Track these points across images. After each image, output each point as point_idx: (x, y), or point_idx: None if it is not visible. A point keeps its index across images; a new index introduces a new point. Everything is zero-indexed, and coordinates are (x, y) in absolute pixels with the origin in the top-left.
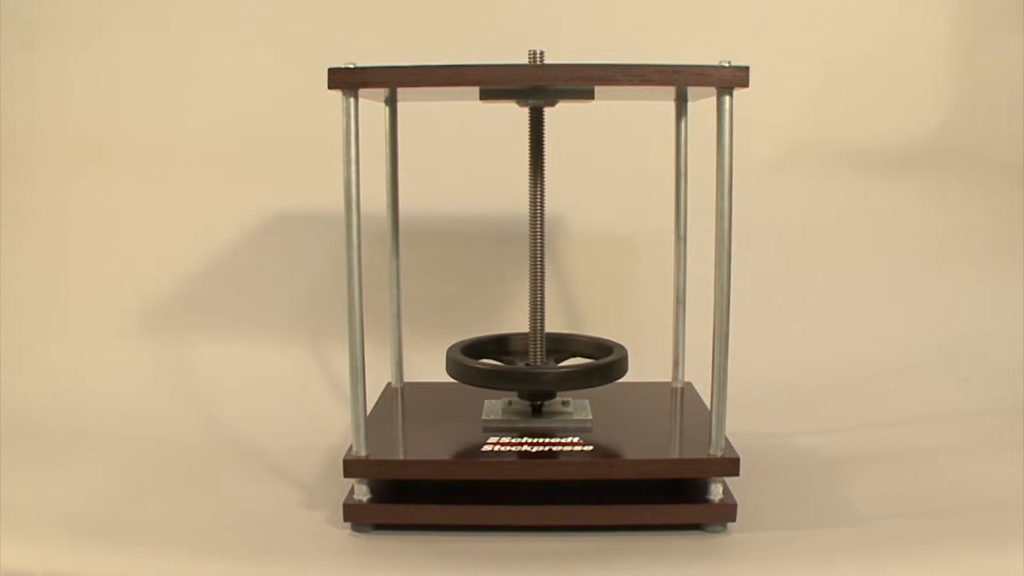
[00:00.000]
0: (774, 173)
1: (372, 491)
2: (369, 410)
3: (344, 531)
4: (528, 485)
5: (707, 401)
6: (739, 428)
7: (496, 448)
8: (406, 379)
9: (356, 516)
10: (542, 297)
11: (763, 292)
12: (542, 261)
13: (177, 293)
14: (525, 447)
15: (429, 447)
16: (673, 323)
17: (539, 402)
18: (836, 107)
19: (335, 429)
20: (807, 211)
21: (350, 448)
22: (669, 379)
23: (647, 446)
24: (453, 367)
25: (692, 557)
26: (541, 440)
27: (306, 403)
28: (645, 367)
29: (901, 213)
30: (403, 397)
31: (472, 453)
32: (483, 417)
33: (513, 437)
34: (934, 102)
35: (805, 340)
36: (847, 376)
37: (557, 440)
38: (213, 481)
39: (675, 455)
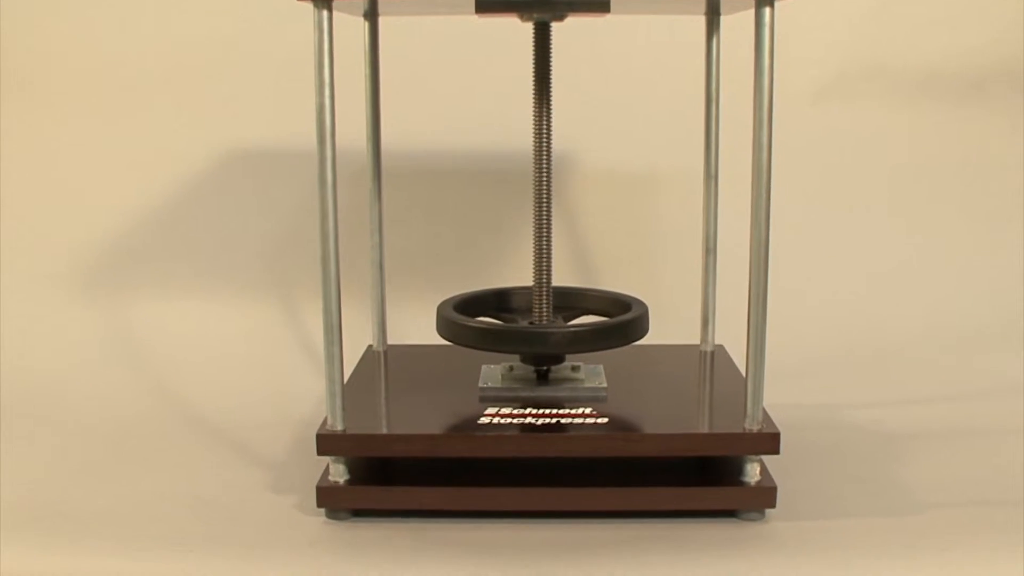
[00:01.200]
0: (822, 102)
1: (350, 471)
2: (347, 377)
3: (317, 518)
4: (532, 464)
5: (741, 367)
6: (778, 399)
7: (495, 421)
8: (390, 341)
9: (331, 501)
10: (548, 245)
11: (807, 242)
12: (548, 204)
13: (122, 243)
14: (529, 419)
15: (417, 420)
16: (702, 276)
17: (545, 367)
18: (896, 23)
19: (307, 399)
20: (860, 147)
21: (324, 421)
22: (696, 341)
23: (671, 418)
24: (445, 326)
25: (724, 549)
26: (547, 411)
27: (273, 369)
28: (668, 327)
29: (973, 150)
30: (386, 362)
31: (467, 427)
32: (480, 385)
33: (515, 408)
34: (1018, 14)
35: (855, 298)
36: (903, 342)
37: (566, 411)
38: (165, 463)
39: (704, 429)
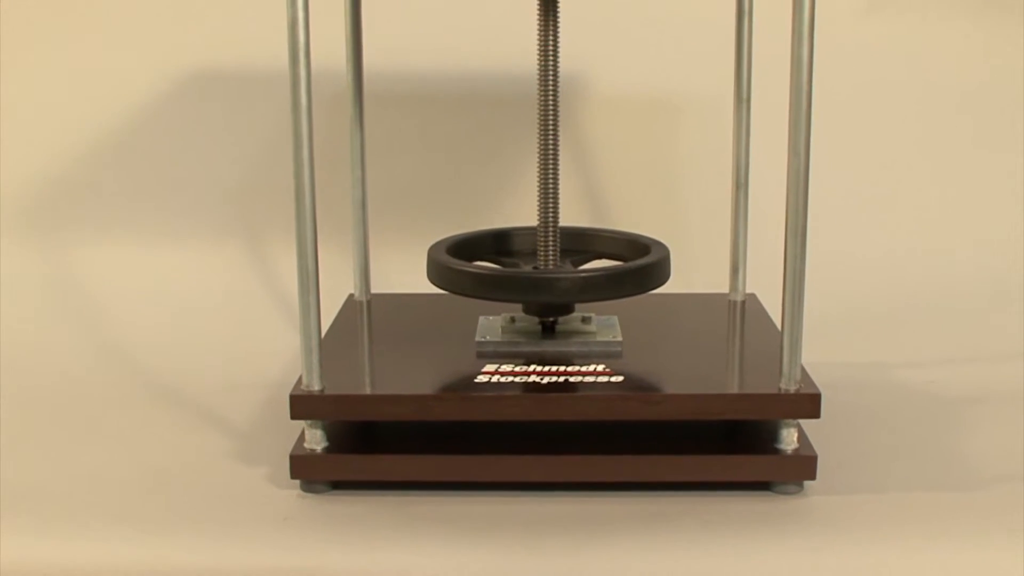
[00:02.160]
0: (873, 13)
1: (328, 438)
2: (325, 330)
3: (291, 491)
4: (536, 429)
5: (776, 319)
6: (818, 356)
7: (494, 379)
8: (373, 289)
9: (307, 471)
10: (555, 180)
11: (851, 176)
12: (555, 133)
13: (65, 177)
14: (533, 378)
15: (405, 378)
16: (731, 215)
17: (551, 318)
18: None
19: (278, 357)
20: (915, 67)
21: (299, 381)
22: (725, 289)
23: (695, 377)
24: (437, 272)
25: (756, 526)
26: (554, 368)
27: (239, 323)
28: (693, 273)
29: None
30: (369, 313)
31: (462, 386)
32: (477, 339)
33: (517, 365)
34: None
35: (906, 243)
36: (962, 292)
37: (576, 368)
38: (116, 430)
39: (734, 389)
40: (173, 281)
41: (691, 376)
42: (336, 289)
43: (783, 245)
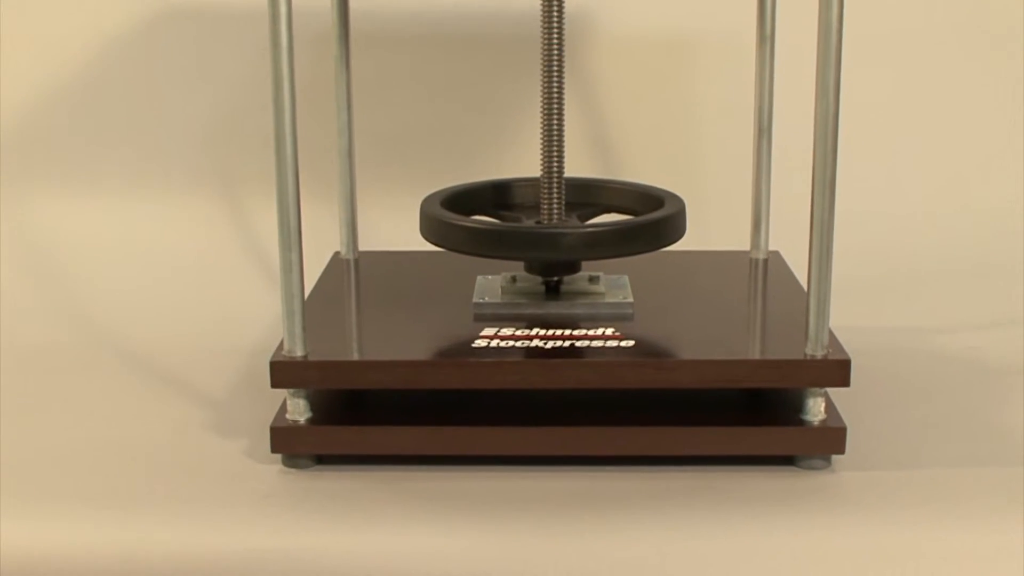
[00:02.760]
0: None
1: (312, 408)
2: (308, 291)
3: (272, 466)
4: (539, 398)
5: (802, 278)
6: (848, 319)
7: (493, 344)
8: (361, 246)
9: (289, 445)
10: (560, 127)
11: (884, 126)
12: (560, 76)
13: (23, 123)
14: (536, 342)
15: (396, 343)
16: (753, 165)
17: (556, 278)
18: None
19: (258, 320)
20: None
21: (280, 346)
22: (746, 246)
23: (714, 341)
24: (431, 227)
25: (779, 504)
26: (559, 332)
27: (214, 283)
28: (711, 228)
29: None
30: (357, 272)
31: (459, 351)
32: (475, 300)
33: (518, 328)
34: None
35: (947, 194)
36: (1005, 251)
37: (582, 332)
38: (82, 400)
39: (755, 355)
40: (141, 238)
41: (708, 340)
42: (321, 246)
43: (809, 197)
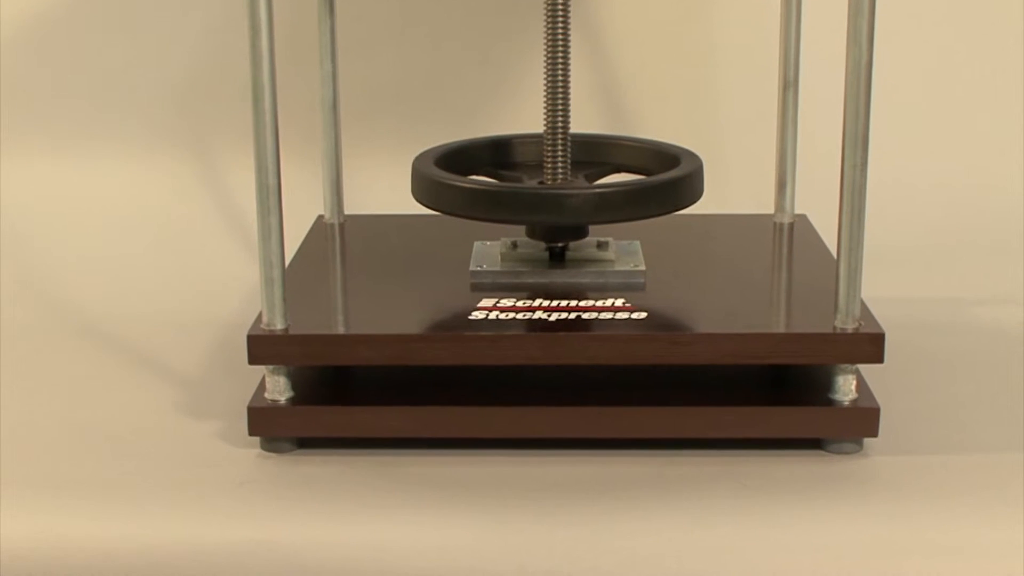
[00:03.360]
0: None
1: (294, 387)
2: (289, 258)
3: (249, 451)
4: (543, 375)
5: (831, 245)
6: (880, 290)
7: (492, 316)
8: (348, 210)
9: (268, 426)
10: (565, 78)
11: (922, 76)
12: (565, 21)
13: None
14: (539, 314)
15: (385, 315)
16: (778, 120)
17: (561, 243)
18: None
19: (234, 290)
20: None
21: (258, 318)
22: (769, 209)
23: (734, 313)
24: (423, 188)
25: (806, 492)
26: (564, 303)
27: (186, 249)
28: (731, 190)
29: None
30: (343, 237)
31: (454, 324)
32: (472, 268)
33: (519, 299)
34: None
35: (986, 162)
36: None
37: (590, 303)
38: (42, 378)
39: (780, 328)
40: (105, 200)
41: (728, 312)
42: (302, 209)
43: (839, 155)
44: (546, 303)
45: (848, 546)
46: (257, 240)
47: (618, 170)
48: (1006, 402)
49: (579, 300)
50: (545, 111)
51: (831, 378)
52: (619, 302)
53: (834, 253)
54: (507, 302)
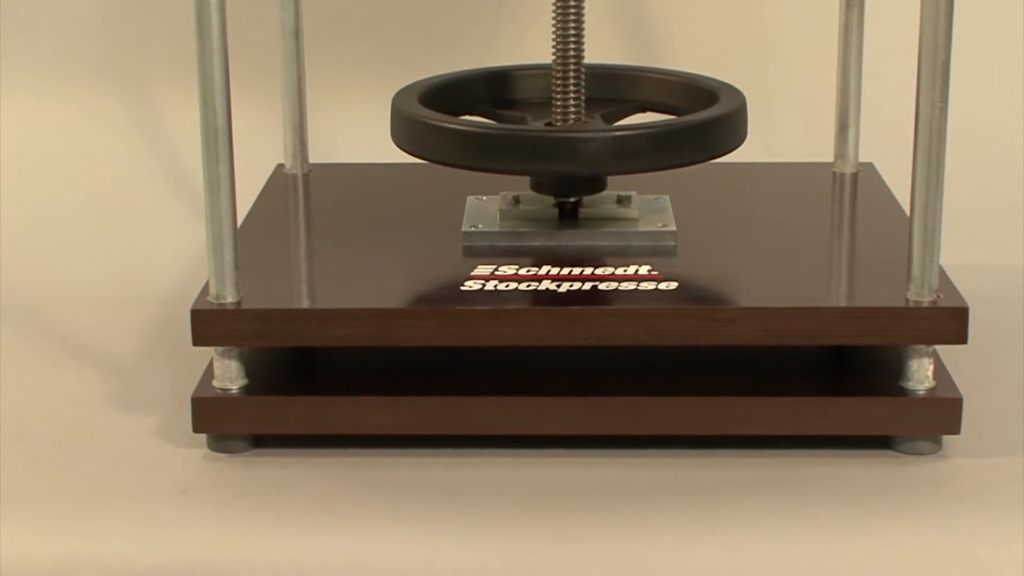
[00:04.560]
0: None
1: (248, 373)
2: (242, 217)
3: (194, 451)
4: (550, 359)
5: (903, 201)
6: (963, 256)
7: (489, 287)
8: (313, 158)
9: (217, 421)
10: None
11: (999, 23)
12: None
13: None
14: (546, 284)
15: (359, 286)
16: (839, 49)
17: (573, 198)
18: None
19: (175, 255)
20: None
21: (204, 289)
22: (827, 157)
23: (784, 283)
24: (405, 130)
25: (873, 503)
26: (577, 272)
27: (118, 206)
28: (781, 133)
29: None
30: (307, 192)
31: (443, 296)
32: (464, 229)
33: (522, 267)
34: None
35: None
36: None
37: (608, 271)
38: None
39: (840, 301)
40: (23, 147)
41: (777, 282)
42: (258, 157)
43: (914, 93)
44: (555, 271)
45: (923, 568)
46: (203, 195)
47: (643, 109)
48: None
49: (595, 267)
50: (554, 37)
51: (903, 362)
52: (644, 269)
53: (907, 209)
54: (507, 269)
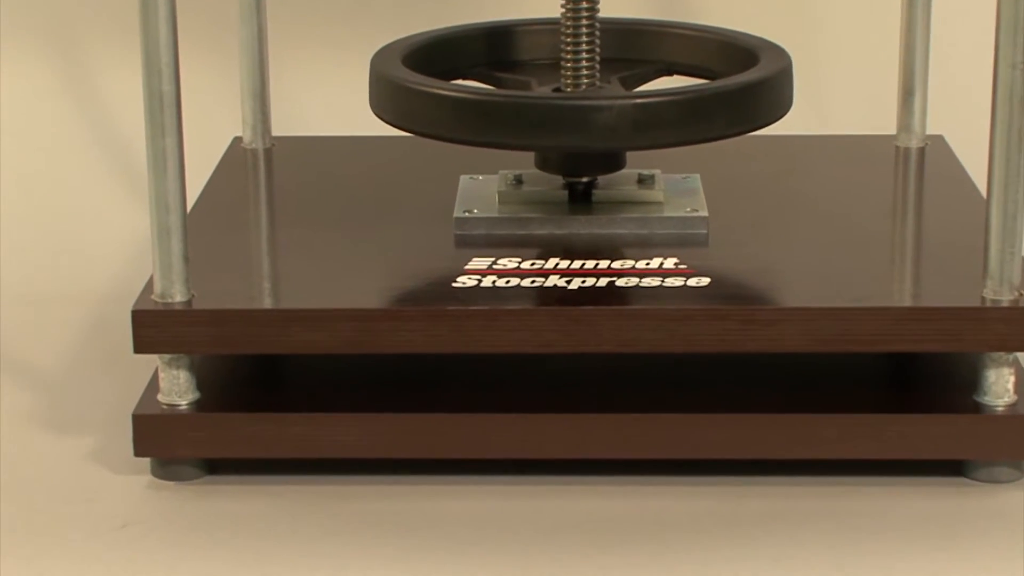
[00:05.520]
0: None
1: (201, 386)
2: (193, 200)
3: (135, 478)
4: (558, 370)
5: (979, 181)
6: None
7: (486, 283)
8: (277, 130)
9: (163, 443)
10: None
11: None
12: None
13: None
14: (553, 280)
15: (332, 282)
16: (903, 3)
17: (586, 178)
18: None
19: (113, 246)
20: None
21: (148, 286)
22: (889, 129)
23: (836, 279)
24: (387, 97)
25: (942, 541)
26: (591, 266)
27: (48, 189)
28: (832, 100)
29: None
30: (269, 170)
31: (431, 295)
32: (456, 215)
33: (525, 259)
34: None
35: None
36: None
37: (628, 265)
38: None
39: (903, 300)
40: None
41: (827, 277)
42: (213, 129)
43: (991, 55)
44: (564, 264)
45: None
46: (147, 174)
47: (669, 71)
48: None
49: (612, 260)
50: None
51: (979, 373)
52: (670, 262)
53: (982, 190)
54: (508, 263)
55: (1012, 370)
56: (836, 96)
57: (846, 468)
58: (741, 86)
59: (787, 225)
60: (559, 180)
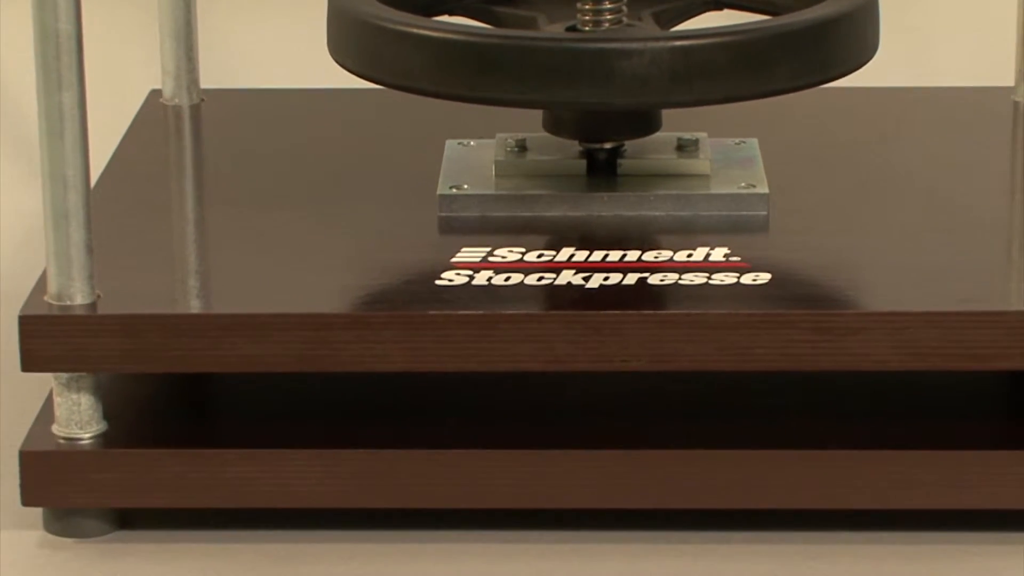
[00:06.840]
0: None
1: (109, 415)
2: (98, 172)
3: (26, 535)
4: (572, 393)
5: None
6: None
7: (479, 281)
8: (206, 81)
9: (60, 491)
10: None
11: None
12: None
13: None
14: (567, 277)
15: (280, 281)
16: None
17: (610, 144)
18: None
19: None
20: None
21: (39, 284)
22: (1004, 80)
23: (935, 277)
24: (351, 38)
25: None
26: (615, 260)
27: None
28: (931, 46)
29: None
30: (197, 132)
31: (409, 296)
32: (441, 191)
33: (530, 250)
34: None
35: None
36: None
37: (664, 258)
38: None
39: (1016, 304)
40: None
41: (923, 274)
42: (125, 81)
43: None
44: (581, 256)
45: None
46: (39, 137)
47: (717, 4)
48: None
49: (643, 251)
50: None
51: None
52: (719, 254)
53: None
54: (507, 254)
55: None
56: (936, 38)
57: (949, 522)
58: (811, 24)
59: (871, 206)
60: (575, 146)
